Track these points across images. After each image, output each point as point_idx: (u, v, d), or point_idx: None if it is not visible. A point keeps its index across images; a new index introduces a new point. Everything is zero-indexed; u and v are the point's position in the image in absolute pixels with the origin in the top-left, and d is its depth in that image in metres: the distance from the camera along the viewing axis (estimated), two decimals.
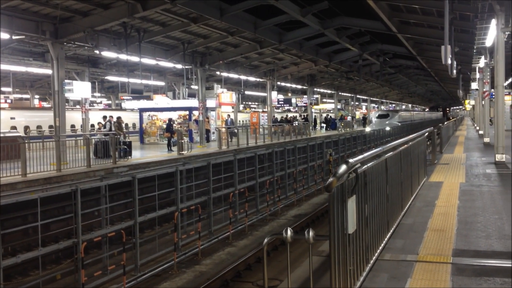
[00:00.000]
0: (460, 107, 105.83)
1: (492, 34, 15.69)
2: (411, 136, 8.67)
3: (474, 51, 22.45)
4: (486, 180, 11.02)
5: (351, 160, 3.98)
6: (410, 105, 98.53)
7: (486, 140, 22.50)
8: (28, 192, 12.62)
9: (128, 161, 18.69)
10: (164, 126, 27.71)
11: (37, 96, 43.21)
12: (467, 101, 61.17)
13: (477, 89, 31.32)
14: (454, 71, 16.95)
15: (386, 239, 5.84)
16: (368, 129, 42.66)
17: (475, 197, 8.87)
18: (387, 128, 38.62)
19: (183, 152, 21.58)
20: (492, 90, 23.85)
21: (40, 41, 20.00)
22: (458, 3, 15.99)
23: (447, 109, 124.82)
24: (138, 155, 21.16)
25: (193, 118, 29.84)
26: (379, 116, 49.02)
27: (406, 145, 7.55)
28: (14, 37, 18.17)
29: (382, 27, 23.47)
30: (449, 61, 13.96)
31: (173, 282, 10.10)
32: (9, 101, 35.95)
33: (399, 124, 45.82)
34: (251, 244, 12.70)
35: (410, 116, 61.75)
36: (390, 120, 46.32)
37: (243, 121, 48.91)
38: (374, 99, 73.49)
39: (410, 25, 23.23)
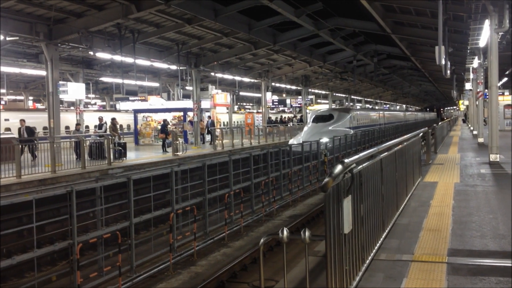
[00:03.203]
0: (454, 107, 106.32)
1: (485, 34, 15.77)
2: (406, 136, 8.70)
3: (468, 51, 22.55)
4: (480, 180, 11.07)
5: (346, 160, 4.00)
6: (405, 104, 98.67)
7: (480, 140, 22.60)
8: (23, 194, 12.61)
9: (123, 162, 18.66)
10: (159, 127, 27.68)
11: (31, 98, 43.05)
12: (461, 102, 61.21)
13: (471, 90, 31.44)
14: (448, 72, 17.02)
15: (381, 239, 5.86)
16: (293, 141, 27.17)
17: (470, 197, 8.91)
18: (324, 140, 23.96)
19: (178, 153, 21.57)
20: (486, 90, 23.96)
21: (34, 42, 19.95)
22: (451, 4, 16.08)
23: (441, 109, 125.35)
24: (133, 156, 21.13)
25: (188, 119, 29.83)
26: (316, 119, 31.46)
27: (401, 145, 7.58)
28: (8, 38, 18.14)
29: (376, 27, 23.57)
30: (443, 62, 14.04)
31: (169, 283, 10.09)
32: (3, 102, 35.84)
33: (352, 131, 30.33)
34: (246, 245, 12.70)
35: (378, 118, 44.71)
36: (334, 126, 30.54)
37: (238, 122, 48.92)
38: (368, 99, 73.64)
39: (404, 26, 23.33)
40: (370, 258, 5.18)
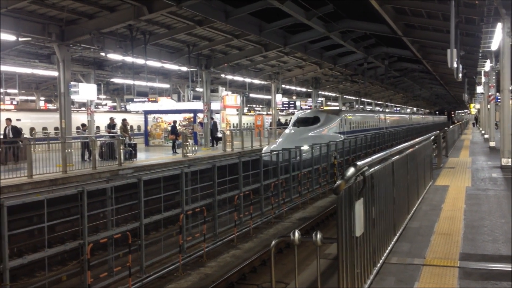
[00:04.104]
0: (466, 110, 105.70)
1: (497, 38, 15.66)
2: (417, 139, 8.67)
3: (480, 54, 22.41)
4: (492, 184, 10.99)
5: (359, 163, 4.00)
6: (415, 108, 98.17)
7: (492, 144, 22.45)
8: (34, 194, 12.69)
9: (133, 163, 18.74)
10: (169, 128, 27.76)
11: (42, 98, 43.34)
12: (472, 105, 60.80)
13: (482, 93, 31.23)
14: (460, 75, 16.94)
15: (392, 242, 5.83)
16: (267, 148, 22.90)
17: (482, 201, 8.85)
18: (305, 147, 19.84)
19: (187, 155, 21.62)
20: (498, 93, 23.79)
21: (46, 43, 20.12)
22: (463, 7, 15.99)
23: (452, 112, 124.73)
24: (143, 157, 21.20)
25: (198, 120, 29.88)
26: (298, 122, 26.57)
27: (412, 149, 7.55)
28: (20, 39, 18.29)
29: (387, 30, 23.49)
30: (455, 65, 13.96)
31: (178, 284, 10.10)
32: (15, 102, 36.10)
33: (342, 137, 26.06)
34: (256, 246, 12.69)
35: (377, 122, 39.34)
36: (318, 130, 26.01)
37: (247, 123, 48.94)
38: (379, 102, 73.39)
39: (416, 29, 23.23)
40: (381, 261, 5.16)
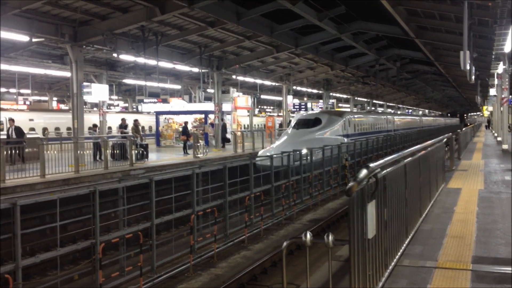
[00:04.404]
0: (478, 113, 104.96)
1: (510, 40, 15.54)
2: (429, 142, 8.63)
3: (493, 57, 22.27)
4: (505, 187, 10.91)
5: (371, 165, 3.99)
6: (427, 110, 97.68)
7: (505, 146, 22.27)
8: (47, 193, 12.78)
9: (144, 163, 18.82)
10: (180, 129, 27.84)
11: (55, 98, 43.64)
12: (485, 107, 60.30)
13: (495, 95, 30.99)
14: (473, 77, 16.83)
15: (404, 244, 5.81)
16: (264, 152, 21.51)
17: (494, 204, 8.78)
18: (303, 151, 18.31)
19: (199, 155, 21.67)
20: (511, 96, 23.63)
21: (59, 44, 20.25)
22: (476, 9, 15.88)
23: (465, 115, 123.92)
24: (154, 158, 21.29)
25: (209, 121, 29.95)
26: (299, 124, 25.06)
27: (424, 151, 7.52)
28: (34, 40, 18.42)
29: (399, 32, 23.39)
30: (468, 67, 13.87)
31: (189, 284, 10.12)
32: (27, 103, 36.40)
33: (346, 140, 24.94)
34: (266, 248, 12.68)
35: (384, 124, 37.21)
36: (320, 132, 24.41)
37: (258, 125, 48.94)
38: (390, 104, 73.09)
39: (428, 30, 23.11)
40: (393, 263, 5.14)
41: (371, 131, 31.74)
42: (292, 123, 25.99)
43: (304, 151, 18.55)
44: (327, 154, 19.61)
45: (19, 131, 19.28)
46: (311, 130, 24.32)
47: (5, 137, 18.89)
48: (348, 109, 50.11)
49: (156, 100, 30.23)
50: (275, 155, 16.44)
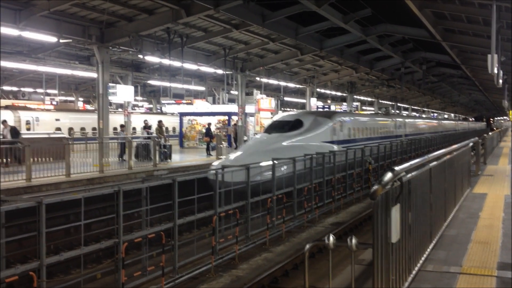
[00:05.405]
0: (505, 117, 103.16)
1: None
2: (455, 146, 8.50)
3: None
4: None
5: (396, 168, 3.94)
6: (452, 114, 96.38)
7: None
8: (72, 192, 12.95)
9: (168, 164, 18.94)
10: (204, 130, 27.96)
11: (81, 99, 44.26)
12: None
13: None
14: (500, 81, 16.55)
15: (428, 249, 5.73)
16: (218, 164, 16.13)
17: None
18: (263, 164, 14.63)
19: (221, 157, 21.72)
20: None
21: (86, 45, 20.54)
22: (505, 12, 15.62)
23: (491, 119, 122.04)
24: (177, 159, 21.42)
25: (232, 123, 30.02)
26: (273, 128, 20.16)
27: (450, 155, 7.41)
28: (61, 41, 18.72)
29: (426, 34, 23.12)
30: (495, 71, 13.66)
31: (210, 285, 10.13)
32: (54, 103, 36.98)
33: (336, 147, 20.19)
34: (288, 250, 12.63)
35: (393, 127, 31.67)
36: (300, 138, 19.36)
37: None
38: (415, 107, 72.36)
39: (455, 33, 22.81)
40: (416, 268, 5.07)
41: (374, 137, 26.80)
42: (266, 126, 21.45)
43: (265, 163, 14.51)
44: (281, 173, 15.13)
45: (15, 131, 18.91)
46: (288, 135, 19.32)
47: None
48: (342, 110, 40.69)
49: (174, 101, 30.30)
50: (227, 169, 12.78)
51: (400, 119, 35.42)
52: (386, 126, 30.87)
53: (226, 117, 30.50)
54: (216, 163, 16.97)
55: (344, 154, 18.73)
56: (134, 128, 30.70)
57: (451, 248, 6.09)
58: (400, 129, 33.51)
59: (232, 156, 17.80)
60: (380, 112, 51.14)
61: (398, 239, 4.15)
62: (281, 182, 14.34)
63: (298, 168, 15.29)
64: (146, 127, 24.08)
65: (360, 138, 24.65)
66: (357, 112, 42.95)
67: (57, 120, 28.41)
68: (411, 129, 36.97)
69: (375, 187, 3.59)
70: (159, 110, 43.51)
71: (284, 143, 18.72)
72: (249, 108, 30.94)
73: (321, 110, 38.32)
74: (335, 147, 20.19)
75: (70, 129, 28.69)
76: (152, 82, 34.73)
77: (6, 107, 27.62)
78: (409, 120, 39.19)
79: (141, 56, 22.12)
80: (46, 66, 25.54)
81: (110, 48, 19.80)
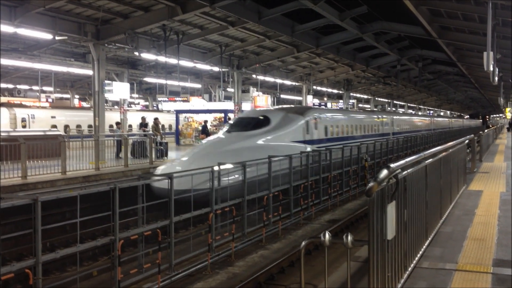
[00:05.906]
0: (501, 115, 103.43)
1: None
2: (450, 143, 8.52)
3: None
4: None
5: (392, 165, 3.95)
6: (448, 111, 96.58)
7: None
8: (67, 190, 12.92)
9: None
10: (200, 128, 27.94)
11: (77, 96, 44.14)
12: (507, 109, 59.30)
13: None
14: (496, 78, 16.58)
15: (424, 246, 5.75)
16: (164, 169, 14.72)
17: None
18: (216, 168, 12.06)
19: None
20: None
21: (82, 42, 20.46)
22: (501, 9, 15.65)
23: (487, 116, 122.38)
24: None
25: (228, 120, 30.01)
26: (235, 125, 18.23)
27: (445, 152, 7.43)
28: (57, 38, 18.64)
29: (421, 32, 23.16)
30: (491, 68, 13.67)
31: (207, 283, 10.15)
32: (50, 100, 36.86)
33: (310, 148, 18.36)
34: (284, 247, 12.66)
35: (378, 124, 29.75)
36: (266, 137, 17.39)
37: None
38: (411, 105, 72.50)
39: (451, 31, 22.84)
40: (412, 265, 5.09)
41: (356, 135, 24.90)
42: (227, 125, 19.22)
43: (227, 165, 12.89)
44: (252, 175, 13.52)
45: None
46: (250, 134, 17.26)
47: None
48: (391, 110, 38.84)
49: (167, 99, 30.17)
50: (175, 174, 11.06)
51: (387, 116, 33.22)
52: (371, 123, 28.54)
53: (223, 115, 30.48)
54: (162, 167, 15.42)
55: (317, 156, 17.09)
56: (130, 126, 30.63)
57: (447, 245, 6.11)
58: (387, 126, 31.74)
59: (178, 160, 16.04)
60: (375, 109, 51.84)
61: (393, 236, 4.16)
62: (226, 193, 12.38)
63: (253, 175, 13.49)
64: (143, 124, 24.02)
65: (339, 137, 22.52)
66: (334, 108, 40.68)
67: (53, 117, 28.33)
68: (399, 126, 35.14)
69: (371, 184, 3.60)
70: (155, 108, 43.45)
71: (244, 144, 16.50)
72: (246, 106, 30.92)
73: (293, 106, 34.67)
74: (308, 148, 18.27)
75: (66, 126, 28.61)
76: (148, 79, 34.66)
77: (2, 105, 27.51)
78: (398, 117, 36.71)
79: (137, 53, 22.05)
80: (42, 63, 25.46)
81: (106, 45, 19.75)
